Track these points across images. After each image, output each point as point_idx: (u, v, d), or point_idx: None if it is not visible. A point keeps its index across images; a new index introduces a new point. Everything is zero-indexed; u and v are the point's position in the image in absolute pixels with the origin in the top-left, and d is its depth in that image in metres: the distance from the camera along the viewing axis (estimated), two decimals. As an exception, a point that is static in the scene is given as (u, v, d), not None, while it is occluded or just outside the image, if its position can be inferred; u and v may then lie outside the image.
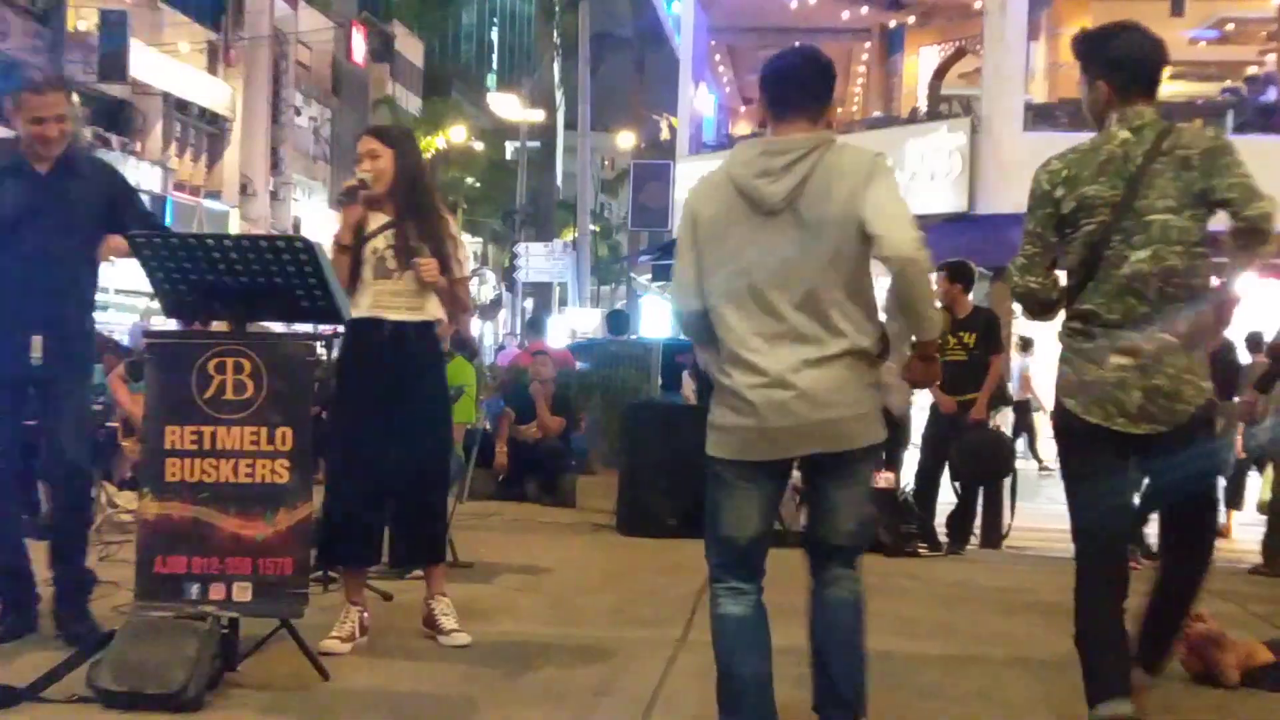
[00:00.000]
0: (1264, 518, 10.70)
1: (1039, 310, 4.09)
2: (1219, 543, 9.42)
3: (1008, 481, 9.79)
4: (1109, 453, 3.85)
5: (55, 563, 5.02)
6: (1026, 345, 18.72)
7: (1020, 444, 18.50)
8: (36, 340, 4.81)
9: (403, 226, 5.11)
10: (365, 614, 5.18)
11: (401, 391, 5.14)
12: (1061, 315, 4.01)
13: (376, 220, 5.16)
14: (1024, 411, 18.60)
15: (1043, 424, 17.81)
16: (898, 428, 11.01)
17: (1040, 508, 12.36)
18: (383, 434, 5.11)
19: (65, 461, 5.08)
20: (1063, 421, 3.98)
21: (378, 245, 5.12)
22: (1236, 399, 9.61)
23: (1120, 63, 3.92)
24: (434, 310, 5.19)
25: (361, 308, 5.07)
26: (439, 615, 5.21)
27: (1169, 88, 22.06)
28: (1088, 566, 3.93)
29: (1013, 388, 17.27)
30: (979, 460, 9.22)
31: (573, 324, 27.40)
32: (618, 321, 16.47)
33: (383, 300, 5.09)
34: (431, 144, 46.13)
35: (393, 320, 5.10)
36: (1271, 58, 20.00)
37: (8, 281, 4.85)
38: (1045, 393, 17.15)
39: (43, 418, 5.10)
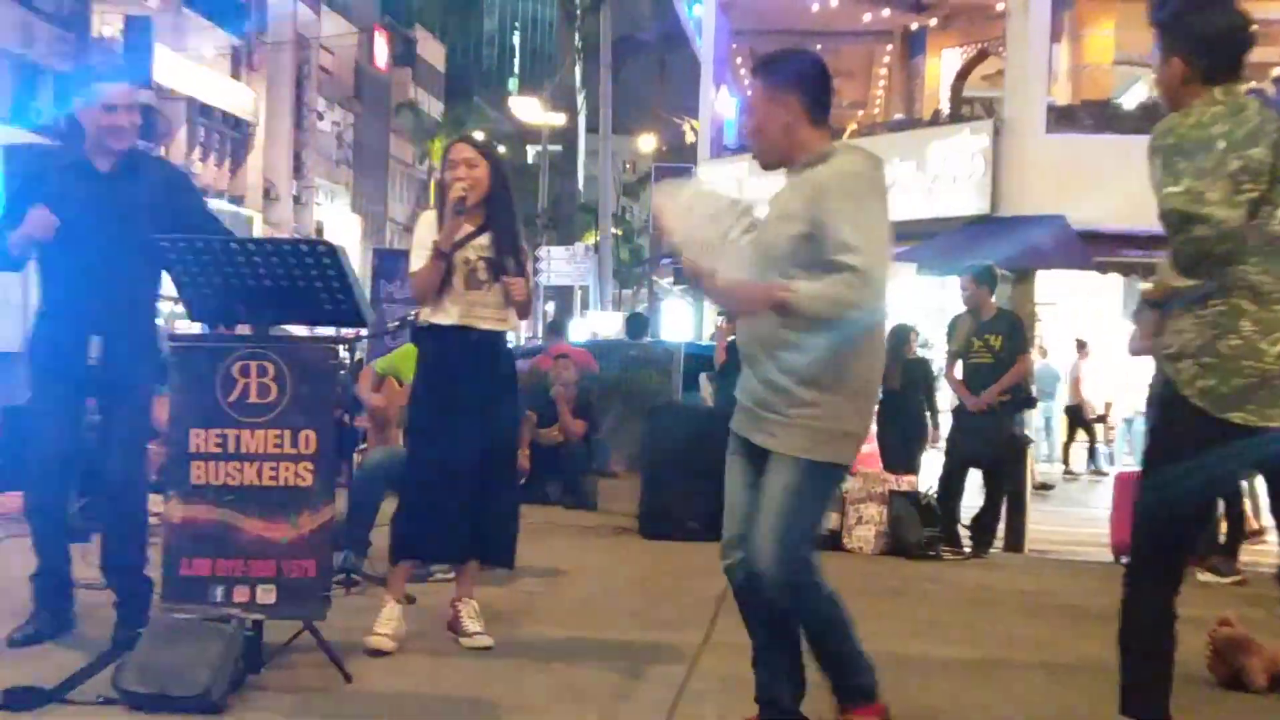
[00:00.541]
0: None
1: (1224, 258, 3.42)
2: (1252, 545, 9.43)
3: (1029, 484, 9.81)
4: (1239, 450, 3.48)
5: (113, 571, 5.04)
6: (1081, 347, 18.63)
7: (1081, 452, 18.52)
8: (95, 341, 4.81)
9: (497, 238, 5.15)
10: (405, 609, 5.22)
11: (485, 399, 5.16)
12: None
13: (463, 229, 5.16)
14: (1076, 415, 18.52)
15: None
16: (916, 432, 11.06)
17: (1063, 511, 12.33)
18: (466, 438, 5.12)
19: (120, 468, 5.07)
20: (1200, 423, 3.45)
21: (469, 256, 5.12)
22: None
23: (1202, 41, 3.52)
24: (513, 321, 5.29)
25: (451, 316, 5.10)
26: (464, 618, 5.22)
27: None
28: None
29: (1063, 388, 17.16)
30: (974, 436, 9.24)
31: (594, 327, 27.42)
32: (636, 324, 16.53)
33: (474, 311, 5.11)
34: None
35: (481, 330, 5.13)
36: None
37: (68, 281, 4.86)
38: (1097, 396, 17.16)
39: (101, 422, 5.10)
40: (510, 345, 5.49)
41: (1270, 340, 3.32)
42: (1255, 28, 3.59)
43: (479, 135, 5.67)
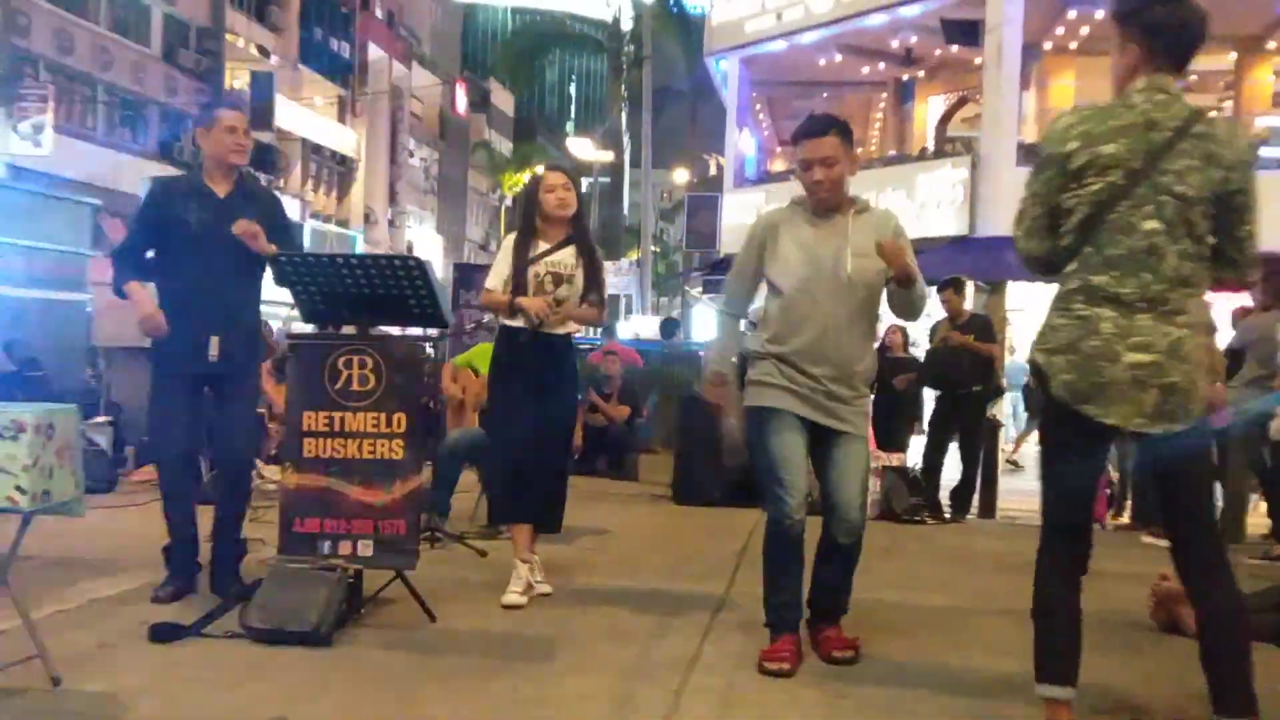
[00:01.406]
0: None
1: (1044, 271, 3.31)
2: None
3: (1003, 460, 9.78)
4: (1099, 440, 3.28)
5: (218, 535, 5.05)
6: None
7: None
8: (214, 340, 4.83)
9: (578, 252, 5.11)
10: (534, 570, 5.18)
11: (549, 392, 5.11)
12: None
13: (539, 245, 5.12)
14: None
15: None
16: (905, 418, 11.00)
17: (1030, 484, 12.22)
18: (533, 425, 5.08)
19: (233, 449, 5.12)
20: (1062, 414, 3.21)
21: (539, 270, 5.07)
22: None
23: (1157, 27, 3.15)
24: (573, 325, 5.19)
25: (523, 321, 5.06)
26: (532, 571, 5.18)
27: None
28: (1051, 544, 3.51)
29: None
30: (944, 366, 9.23)
31: (636, 329, 27.43)
32: (669, 327, 16.67)
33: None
34: (520, 180, 46.27)
35: (547, 334, 5.07)
36: (1229, 104, 19.69)
37: (190, 289, 4.86)
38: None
39: (216, 409, 5.10)
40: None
41: (1127, 345, 3.04)
42: (1207, 23, 3.19)
43: (561, 164, 5.61)
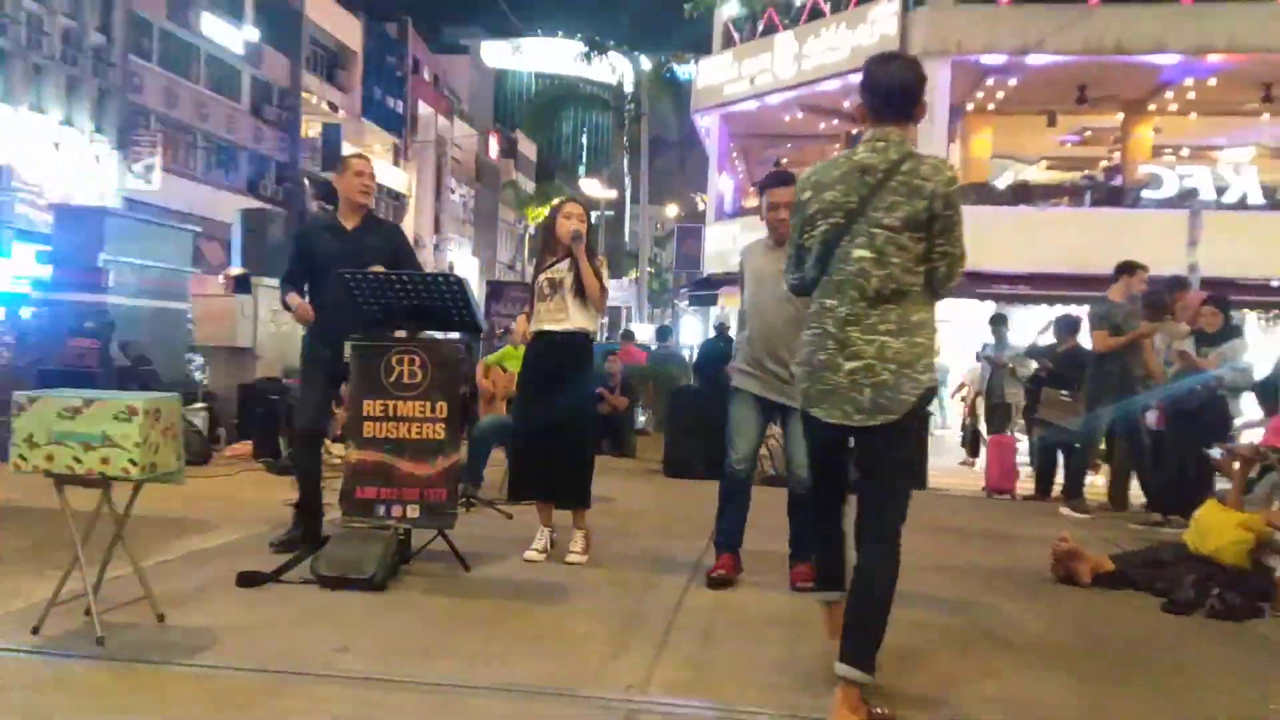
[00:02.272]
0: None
1: (802, 295, 3.28)
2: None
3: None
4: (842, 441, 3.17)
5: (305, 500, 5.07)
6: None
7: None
8: (348, 346, 4.79)
9: (576, 262, 4.96)
10: (554, 533, 5.09)
11: (561, 382, 5.01)
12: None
13: (549, 259, 5.07)
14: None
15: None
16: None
17: (949, 462, 12.23)
18: (549, 412, 4.99)
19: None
20: (811, 424, 3.17)
21: (540, 280, 5.03)
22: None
23: (874, 89, 3.10)
24: (578, 320, 4.99)
25: (537, 324, 5.02)
26: (572, 542, 5.04)
27: (1046, 174, 22.06)
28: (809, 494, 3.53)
29: (952, 378, 16.79)
30: None
31: (634, 333, 27.54)
32: (662, 333, 16.70)
33: (547, 318, 4.99)
34: (542, 213, 46.29)
35: (553, 330, 4.99)
36: (1117, 155, 19.73)
37: (331, 304, 4.82)
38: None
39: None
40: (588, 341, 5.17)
41: (846, 356, 2.99)
42: (920, 81, 3.13)
43: (577, 198, 5.51)
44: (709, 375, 10.23)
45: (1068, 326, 9.15)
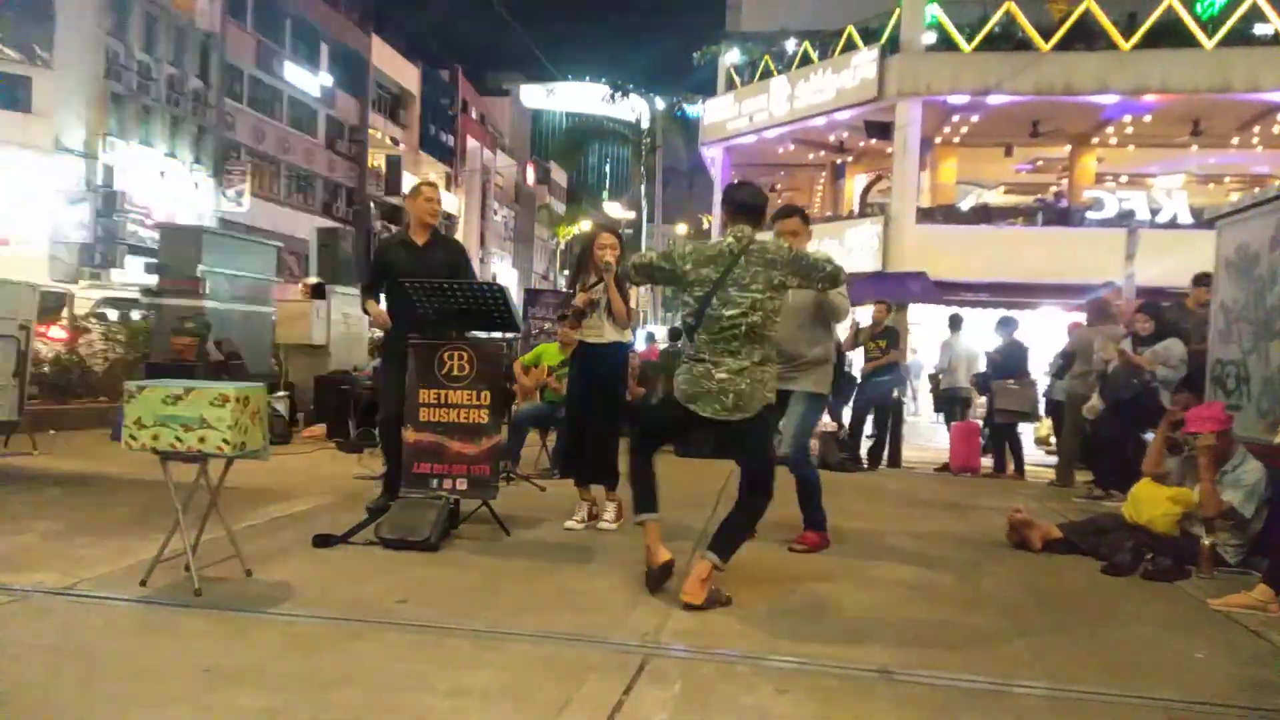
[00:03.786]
0: (1040, 450, 10.51)
1: (627, 280, 4.25)
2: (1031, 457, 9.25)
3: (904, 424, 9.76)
4: (703, 426, 3.74)
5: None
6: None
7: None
8: (412, 336, 4.74)
9: (609, 291, 4.97)
10: (594, 506, 5.12)
11: (598, 384, 5.05)
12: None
13: (588, 280, 5.06)
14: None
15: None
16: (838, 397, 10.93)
17: (921, 443, 12.16)
18: (587, 408, 5.07)
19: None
20: (675, 409, 3.79)
21: (599, 299, 5.01)
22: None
23: (728, 201, 3.82)
24: (611, 334, 5.03)
25: (583, 336, 5.05)
26: (604, 510, 5.12)
27: (1004, 198, 21.89)
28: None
29: (924, 372, 16.67)
30: (871, 401, 9.22)
31: (651, 331, 27.52)
32: (675, 333, 16.58)
33: (589, 332, 5.03)
34: (571, 231, 46.27)
35: (591, 342, 5.04)
36: (1065, 181, 19.55)
37: (404, 307, 4.80)
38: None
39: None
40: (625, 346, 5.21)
41: (714, 373, 3.61)
42: (762, 196, 3.86)
43: (612, 227, 5.35)
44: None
45: (1005, 325, 9.21)
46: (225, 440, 3.32)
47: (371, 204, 35.56)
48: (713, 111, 21.48)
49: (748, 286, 3.60)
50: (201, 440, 3.32)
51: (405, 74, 39.30)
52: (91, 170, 22.56)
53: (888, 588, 4.05)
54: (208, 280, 9.38)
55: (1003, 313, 10.04)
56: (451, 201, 41.99)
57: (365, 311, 5.10)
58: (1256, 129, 17.07)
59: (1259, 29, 15.47)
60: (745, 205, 3.80)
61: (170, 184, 24.88)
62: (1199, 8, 15.73)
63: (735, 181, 3.95)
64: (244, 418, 3.39)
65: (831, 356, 4.88)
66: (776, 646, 3.11)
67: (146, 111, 24.53)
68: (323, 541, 4.23)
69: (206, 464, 3.48)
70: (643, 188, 31.29)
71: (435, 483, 4.60)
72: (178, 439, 3.33)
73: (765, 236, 3.86)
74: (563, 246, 48.68)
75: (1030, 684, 2.89)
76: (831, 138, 19.94)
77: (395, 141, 38.51)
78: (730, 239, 3.70)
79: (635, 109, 29.13)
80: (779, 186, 24.99)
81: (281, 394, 8.86)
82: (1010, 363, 8.91)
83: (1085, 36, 15.91)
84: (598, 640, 3.08)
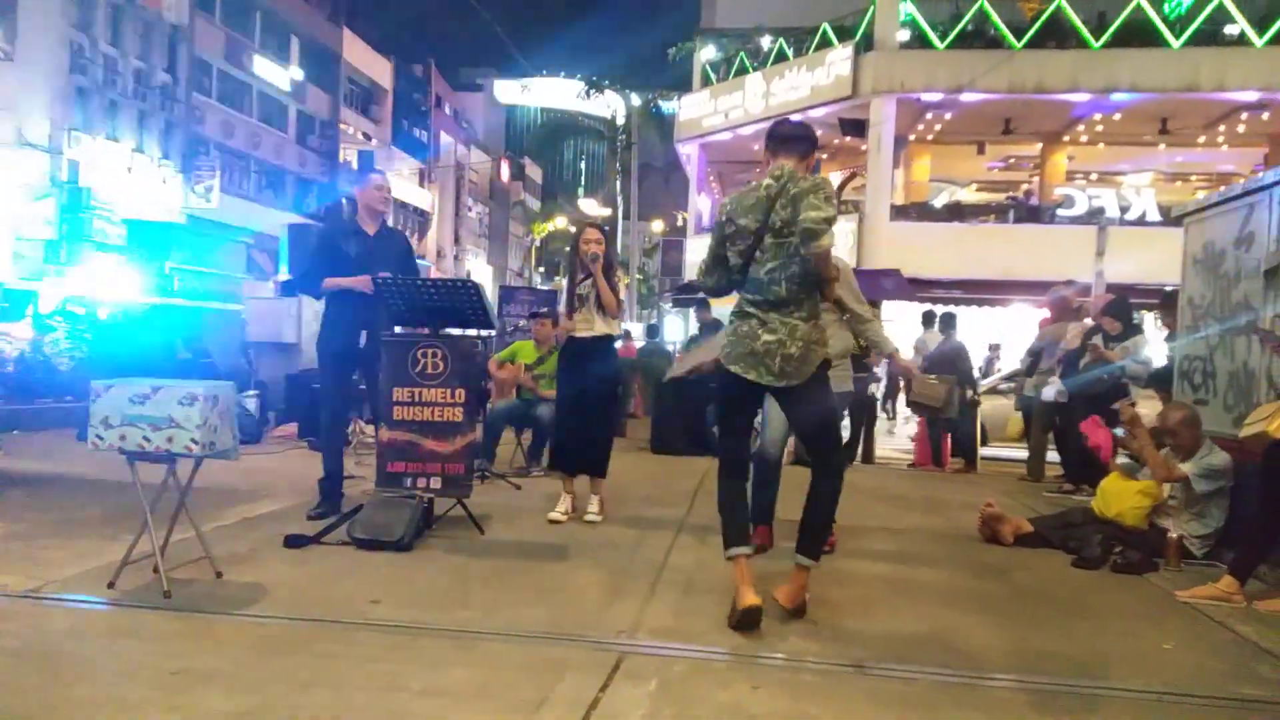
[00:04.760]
0: (1011, 446, 10.61)
1: (714, 294, 3.57)
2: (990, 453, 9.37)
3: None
4: (752, 394, 3.41)
5: (331, 473, 5.07)
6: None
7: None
8: (364, 334, 4.86)
9: (598, 281, 5.02)
10: (576, 499, 5.17)
11: (587, 377, 5.08)
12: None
13: (579, 276, 5.10)
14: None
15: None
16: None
17: (896, 442, 12.26)
18: (577, 400, 5.10)
19: (376, 409, 5.01)
20: (726, 378, 3.39)
21: (582, 292, 5.07)
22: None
23: (769, 138, 3.46)
24: (601, 327, 5.07)
25: (572, 330, 5.08)
26: (590, 503, 5.17)
27: (976, 195, 22.10)
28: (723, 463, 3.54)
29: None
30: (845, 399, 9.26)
31: (626, 329, 27.50)
32: (650, 331, 16.63)
33: (579, 326, 5.07)
34: (546, 228, 46.16)
35: (581, 337, 5.08)
36: (1036, 179, 19.76)
37: (349, 300, 4.84)
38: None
39: (366, 382, 5.10)
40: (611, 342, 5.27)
41: (760, 332, 3.29)
42: (808, 131, 3.47)
43: (597, 223, 5.39)
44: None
45: (945, 321, 9.35)
46: (194, 440, 3.28)
47: (344, 200, 35.31)
48: (688, 108, 21.49)
49: (781, 231, 3.26)
50: (170, 440, 3.28)
51: (377, 68, 38.96)
52: (56, 165, 22.16)
53: (862, 582, 4.08)
54: (176, 277, 9.28)
55: (977, 310, 10.14)
56: (425, 197, 41.71)
57: (316, 295, 5.02)
58: (1222, 128, 17.35)
59: (1226, 29, 15.72)
60: (787, 138, 3.41)
61: (137, 180, 24.49)
62: (1167, 8, 15.96)
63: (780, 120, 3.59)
64: (213, 417, 3.35)
65: (851, 348, 4.71)
66: (751, 643, 3.13)
67: (113, 106, 24.13)
68: (295, 542, 4.20)
69: (175, 464, 3.44)
70: (618, 184, 31.26)
71: (409, 481, 4.57)
72: (145, 439, 3.28)
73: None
74: (538, 243, 48.55)
75: (1003, 676, 2.93)
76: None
77: (368, 137, 38.18)
78: (768, 179, 3.35)
79: (610, 105, 29.10)
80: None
81: (252, 393, 8.77)
82: (944, 360, 8.97)
83: (1057, 35, 16.09)
84: (573, 638, 3.08)
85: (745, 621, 3.19)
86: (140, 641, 2.92)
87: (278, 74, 31.45)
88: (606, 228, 5.31)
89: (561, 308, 5.32)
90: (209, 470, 3.67)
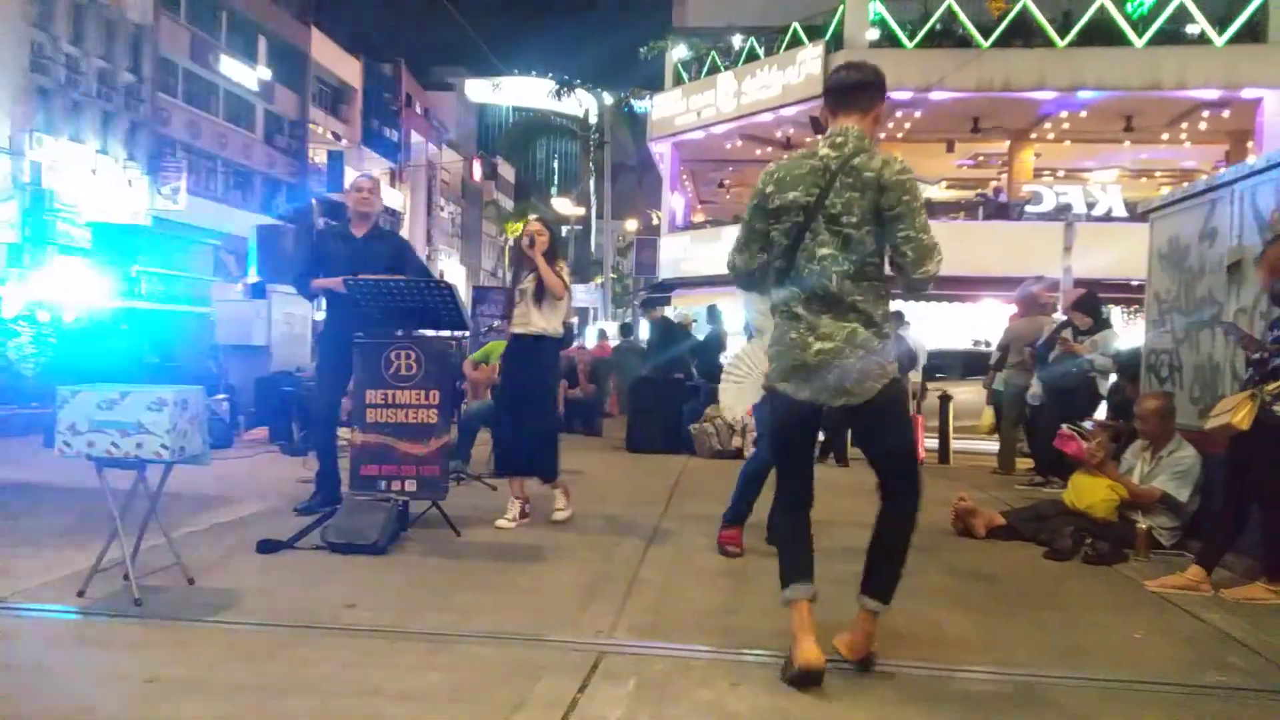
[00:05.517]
0: (986, 439, 10.69)
1: (745, 282, 2.94)
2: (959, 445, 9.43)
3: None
4: (811, 418, 2.86)
5: (323, 473, 5.09)
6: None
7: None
8: (358, 335, 4.75)
9: (534, 274, 4.91)
10: (527, 504, 5.07)
11: (529, 377, 4.97)
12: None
13: (524, 273, 5.00)
14: None
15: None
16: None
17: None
18: (518, 401, 5.00)
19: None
20: (777, 400, 2.84)
21: (525, 288, 4.95)
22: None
23: (830, 89, 2.84)
24: (542, 324, 4.93)
25: (515, 328, 4.95)
26: (555, 502, 5.13)
27: (946, 193, 22.30)
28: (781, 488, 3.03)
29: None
30: None
31: (602, 329, 27.48)
32: (625, 329, 16.61)
33: (519, 322, 4.94)
34: (518, 227, 45.94)
35: (522, 334, 4.95)
36: (1004, 176, 19.99)
37: (343, 301, 4.79)
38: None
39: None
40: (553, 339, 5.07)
41: (810, 340, 2.71)
42: (878, 77, 2.82)
43: (542, 216, 5.27)
44: (665, 365, 10.25)
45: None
46: (164, 445, 3.23)
47: (314, 201, 34.95)
48: (661, 107, 21.51)
49: (840, 219, 2.70)
50: (139, 445, 3.23)
51: (346, 68, 38.63)
52: (18, 167, 21.75)
53: (837, 579, 4.09)
54: (143, 280, 9.15)
55: (946, 306, 10.22)
56: (396, 198, 41.40)
57: (308, 296, 5.06)
58: (1185, 125, 17.64)
59: (1186, 29, 15.99)
60: (849, 88, 2.79)
61: (102, 181, 24.10)
62: (1129, 7, 16.21)
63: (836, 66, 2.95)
64: (183, 422, 3.31)
65: None
66: (731, 640, 3.14)
67: (76, 106, 23.73)
68: (268, 547, 4.15)
69: (145, 470, 3.39)
70: (591, 183, 31.23)
71: (383, 484, 4.54)
72: (114, 445, 3.24)
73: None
74: (511, 243, 48.36)
75: (978, 669, 2.96)
76: (779, 133, 20.08)
77: (337, 136, 37.83)
78: (826, 148, 2.75)
79: (583, 104, 29.03)
80: (727, 182, 25.14)
81: (221, 397, 8.66)
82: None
83: (1023, 34, 16.29)
84: (551, 639, 3.07)
85: (804, 679, 2.66)
86: (111, 650, 2.87)
87: (245, 73, 31.09)
88: (576, 228, 5.25)
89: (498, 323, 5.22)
90: (179, 476, 3.62)
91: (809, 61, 17.38)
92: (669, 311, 12.13)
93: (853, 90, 2.79)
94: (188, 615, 3.20)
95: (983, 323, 15.36)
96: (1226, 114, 16.61)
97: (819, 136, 2.80)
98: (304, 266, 5.16)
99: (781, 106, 18.03)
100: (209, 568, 3.80)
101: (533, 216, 5.24)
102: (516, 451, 5.06)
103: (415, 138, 44.58)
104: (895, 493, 2.89)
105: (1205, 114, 16.87)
